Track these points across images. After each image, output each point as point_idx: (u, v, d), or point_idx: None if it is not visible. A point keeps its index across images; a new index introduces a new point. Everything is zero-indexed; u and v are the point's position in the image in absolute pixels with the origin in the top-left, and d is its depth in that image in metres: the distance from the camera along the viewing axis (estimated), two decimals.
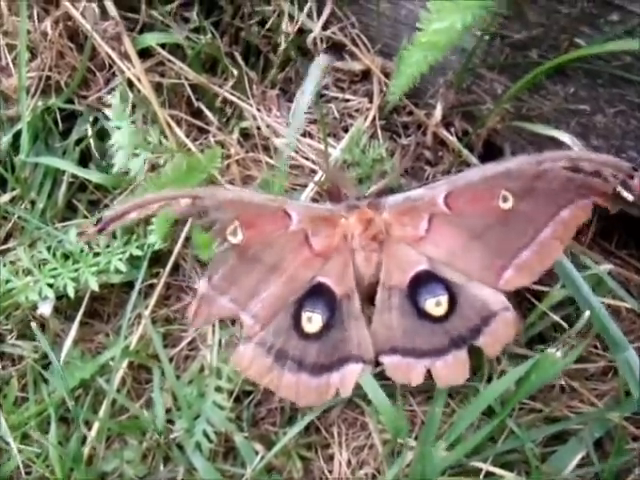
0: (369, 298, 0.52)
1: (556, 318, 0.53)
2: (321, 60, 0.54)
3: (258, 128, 0.56)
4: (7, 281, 0.52)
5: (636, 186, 0.46)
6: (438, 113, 0.52)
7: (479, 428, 0.51)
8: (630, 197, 0.47)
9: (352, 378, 0.50)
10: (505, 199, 0.49)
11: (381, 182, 0.52)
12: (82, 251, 0.54)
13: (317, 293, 0.51)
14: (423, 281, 0.51)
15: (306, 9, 0.51)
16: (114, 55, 0.54)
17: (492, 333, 0.50)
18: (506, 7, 0.45)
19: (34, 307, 0.54)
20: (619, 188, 0.46)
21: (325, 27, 0.53)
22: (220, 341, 0.55)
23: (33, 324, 0.53)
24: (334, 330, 0.51)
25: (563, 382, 0.54)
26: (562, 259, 0.51)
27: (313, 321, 0.51)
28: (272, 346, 0.50)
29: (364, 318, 0.51)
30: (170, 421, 0.54)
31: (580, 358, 0.53)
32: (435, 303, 0.50)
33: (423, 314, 0.50)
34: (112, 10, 0.54)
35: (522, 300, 0.54)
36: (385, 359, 0.51)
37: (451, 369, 0.50)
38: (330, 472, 0.54)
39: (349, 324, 0.51)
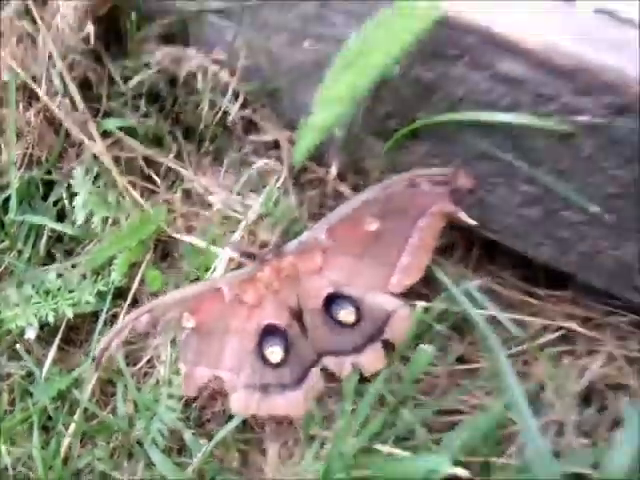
0: (302, 324, 0.62)
1: (439, 327, 0.66)
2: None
3: (196, 189, 0.69)
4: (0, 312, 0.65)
5: (464, 182, 0.58)
6: (334, 170, 0.66)
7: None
8: (466, 184, 0.57)
9: (318, 377, 0.61)
10: (371, 223, 0.60)
11: (278, 231, 0.64)
12: (59, 288, 0.66)
13: (268, 332, 0.62)
14: (333, 300, 0.62)
15: (227, 97, 0.66)
16: (82, 136, 0.67)
17: (394, 328, 0.60)
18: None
19: (21, 333, 0.65)
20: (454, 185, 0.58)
21: (242, 107, 0.67)
22: (172, 357, 0.69)
23: (20, 346, 0.64)
24: (292, 353, 0.62)
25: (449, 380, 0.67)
26: (443, 277, 0.65)
27: (275, 352, 0.61)
28: (255, 385, 0.61)
29: (304, 337, 0.62)
30: (131, 424, 0.65)
31: (469, 360, 0.67)
32: (345, 314, 0.61)
33: (340, 324, 0.62)
34: (80, 103, 0.68)
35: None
36: (325, 360, 0.62)
37: (371, 360, 0.61)
38: (263, 456, 0.65)
39: (300, 344, 0.62)
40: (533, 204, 0.59)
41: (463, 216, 0.59)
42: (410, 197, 0.59)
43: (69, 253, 0.71)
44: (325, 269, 0.62)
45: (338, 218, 0.61)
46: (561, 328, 0.66)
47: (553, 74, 0.51)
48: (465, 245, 0.69)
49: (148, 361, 0.69)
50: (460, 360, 0.65)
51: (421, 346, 0.61)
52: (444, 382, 0.63)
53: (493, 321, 0.66)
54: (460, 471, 0.54)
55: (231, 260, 0.64)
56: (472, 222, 0.59)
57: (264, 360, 0.61)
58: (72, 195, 0.70)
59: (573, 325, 0.65)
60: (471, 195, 0.61)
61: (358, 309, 0.61)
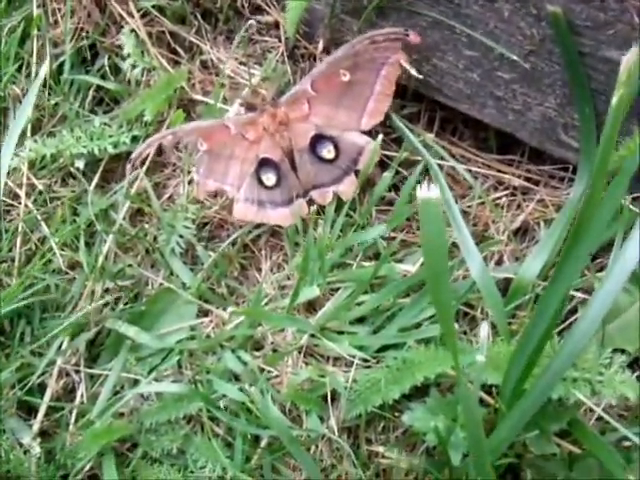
0: (292, 161, 0.78)
1: (405, 172, 0.80)
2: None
3: (212, 60, 0.87)
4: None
5: (412, 37, 0.72)
6: (320, 46, 0.82)
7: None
8: (414, 40, 0.72)
9: (303, 205, 0.78)
10: (344, 75, 0.75)
11: (274, 88, 0.80)
12: (102, 132, 0.83)
13: (265, 163, 0.78)
14: (317, 141, 0.78)
15: None
16: (123, 13, 0.84)
17: (365, 157, 0.77)
18: None
19: (72, 163, 0.82)
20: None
21: None
22: (188, 191, 0.85)
23: (73, 169, 0.82)
24: (284, 181, 0.78)
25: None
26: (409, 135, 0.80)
27: (270, 178, 0.78)
28: (253, 199, 0.78)
29: (294, 173, 0.78)
30: (155, 241, 0.81)
31: None
32: (327, 151, 0.77)
33: (323, 160, 0.78)
34: None
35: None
36: (312, 193, 0.78)
37: (348, 188, 0.77)
38: (259, 272, 0.81)
39: (290, 177, 0.78)
40: (475, 67, 0.76)
41: (411, 69, 0.75)
42: (372, 51, 0.74)
43: (108, 112, 0.88)
44: (310, 115, 0.78)
45: (319, 72, 0.77)
46: (504, 183, 0.82)
47: None
48: (429, 117, 0.86)
49: (169, 197, 0.86)
50: None
51: (384, 174, 0.78)
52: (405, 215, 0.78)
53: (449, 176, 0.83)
54: None
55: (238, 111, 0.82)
56: (417, 75, 0.75)
57: (260, 183, 0.78)
58: (111, 64, 0.87)
59: (515, 180, 0.81)
60: (419, 55, 0.76)
61: (337, 147, 0.78)
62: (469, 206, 0.81)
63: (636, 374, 0.63)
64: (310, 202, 0.79)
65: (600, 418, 0.68)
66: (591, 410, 0.68)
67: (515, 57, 0.71)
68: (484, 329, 0.56)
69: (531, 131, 0.78)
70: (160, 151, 0.86)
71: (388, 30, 0.74)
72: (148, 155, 0.77)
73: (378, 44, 0.74)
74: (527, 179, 0.82)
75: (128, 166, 0.78)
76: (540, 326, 0.59)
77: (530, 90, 0.74)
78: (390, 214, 0.80)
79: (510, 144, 0.83)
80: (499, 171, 0.82)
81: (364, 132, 0.78)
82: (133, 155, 0.77)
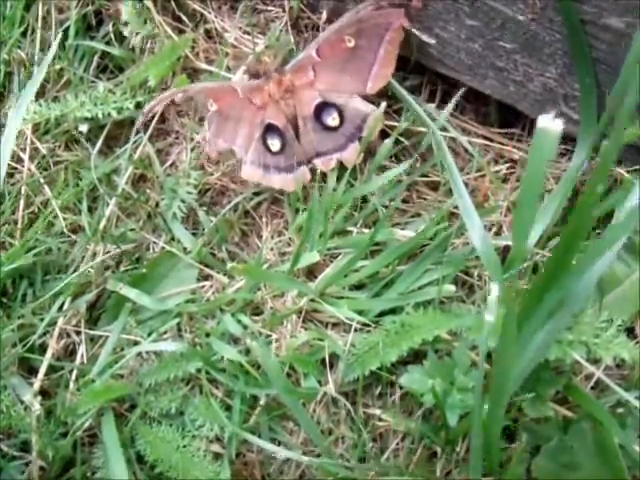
0: (296, 128, 0.79)
1: (406, 142, 0.80)
2: None
3: (216, 29, 0.87)
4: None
5: (416, 3, 0.73)
6: (324, 16, 0.82)
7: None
8: (417, 4, 0.73)
9: (306, 172, 0.78)
10: (349, 40, 0.76)
11: (278, 56, 0.81)
12: (106, 98, 0.84)
13: (270, 128, 0.78)
14: (321, 108, 0.78)
15: None
16: None
17: (369, 124, 0.77)
18: None
19: (76, 127, 0.83)
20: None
21: None
22: (191, 159, 0.85)
23: (77, 133, 0.83)
24: (288, 147, 0.78)
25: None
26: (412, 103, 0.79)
27: (275, 144, 0.78)
28: (259, 162, 0.77)
29: (297, 140, 0.78)
30: (157, 205, 0.82)
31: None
32: (332, 119, 0.78)
33: (327, 128, 0.78)
34: None
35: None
36: (315, 160, 0.78)
37: (351, 155, 0.77)
38: (260, 239, 0.82)
39: (294, 144, 0.79)
40: (477, 37, 0.76)
41: (420, 34, 0.76)
42: (376, 17, 0.75)
43: (112, 78, 0.88)
44: (315, 82, 0.79)
45: (324, 39, 0.77)
46: (505, 156, 0.82)
47: None
48: (430, 90, 0.86)
49: (172, 164, 0.86)
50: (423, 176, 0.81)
51: (385, 141, 0.79)
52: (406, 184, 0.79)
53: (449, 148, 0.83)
54: None
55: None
56: (427, 39, 0.76)
57: (266, 147, 0.79)
58: (116, 31, 0.87)
59: (515, 153, 0.82)
60: (421, 26, 0.77)
61: (341, 114, 0.78)
62: (469, 178, 0.82)
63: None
64: (313, 170, 0.79)
65: (595, 387, 0.69)
66: (587, 378, 0.69)
67: (521, 17, 0.70)
68: (494, 289, 0.56)
69: (532, 102, 0.78)
70: (164, 118, 0.87)
71: None
72: (155, 116, 0.77)
73: (382, 10, 0.74)
74: (527, 152, 0.82)
75: (140, 118, 0.78)
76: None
77: (531, 60, 0.75)
78: (391, 182, 0.80)
79: (511, 118, 0.84)
80: (500, 144, 0.83)
81: (368, 100, 0.78)
82: (145, 109, 0.77)
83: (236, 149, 0.79)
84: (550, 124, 0.48)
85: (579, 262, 0.58)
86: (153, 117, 0.80)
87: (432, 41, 0.77)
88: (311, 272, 0.78)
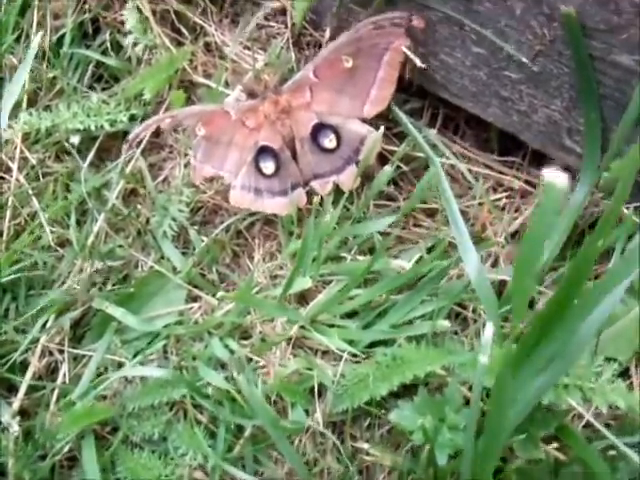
0: (293, 150, 0.77)
1: (405, 168, 0.79)
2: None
3: (216, 43, 0.85)
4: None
5: (417, 22, 0.70)
6: (327, 34, 0.80)
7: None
8: (419, 24, 0.70)
9: (302, 194, 0.77)
10: (347, 61, 0.73)
11: (277, 75, 0.78)
12: (99, 109, 0.83)
13: (264, 151, 0.76)
14: (318, 130, 0.76)
15: None
16: None
17: (367, 147, 0.75)
18: None
19: (67, 138, 0.80)
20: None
21: None
22: (183, 175, 0.83)
23: (68, 144, 0.80)
24: (283, 170, 0.76)
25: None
26: (411, 128, 0.78)
27: (268, 167, 0.76)
28: (250, 187, 0.76)
29: (294, 162, 0.77)
30: (148, 222, 0.80)
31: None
32: (328, 140, 0.76)
33: (324, 149, 0.76)
34: None
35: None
36: (312, 183, 0.76)
37: (348, 178, 0.76)
38: (251, 261, 0.80)
39: (289, 166, 0.77)
40: (482, 65, 0.75)
41: (414, 57, 0.73)
42: (375, 37, 0.72)
43: (106, 89, 0.86)
44: (312, 103, 0.77)
45: (321, 59, 0.75)
46: (504, 185, 0.81)
47: None
48: (432, 114, 0.84)
49: (164, 179, 0.85)
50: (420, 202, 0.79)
51: (384, 168, 0.77)
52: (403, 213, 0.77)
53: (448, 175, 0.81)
54: None
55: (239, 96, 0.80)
56: (420, 64, 0.73)
57: (259, 170, 0.77)
58: (112, 40, 0.85)
59: (515, 183, 0.80)
60: (426, 50, 0.75)
61: (339, 136, 0.76)
62: (467, 206, 0.80)
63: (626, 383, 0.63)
64: (309, 192, 0.78)
65: (586, 427, 0.67)
66: (579, 417, 0.68)
67: (524, 59, 0.70)
68: (489, 329, 0.54)
69: (535, 133, 0.77)
70: (157, 132, 0.84)
71: (392, 14, 0.71)
72: (145, 136, 0.75)
73: (382, 29, 0.72)
74: (527, 182, 0.81)
75: (124, 146, 0.77)
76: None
77: (537, 92, 0.73)
78: (388, 209, 0.78)
79: (512, 146, 0.82)
80: (499, 172, 0.81)
81: (366, 122, 0.76)
82: (130, 136, 0.75)
83: (224, 175, 0.77)
84: (557, 178, 0.46)
85: (580, 307, 0.57)
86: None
87: (424, 65, 0.74)
88: (303, 297, 0.76)
